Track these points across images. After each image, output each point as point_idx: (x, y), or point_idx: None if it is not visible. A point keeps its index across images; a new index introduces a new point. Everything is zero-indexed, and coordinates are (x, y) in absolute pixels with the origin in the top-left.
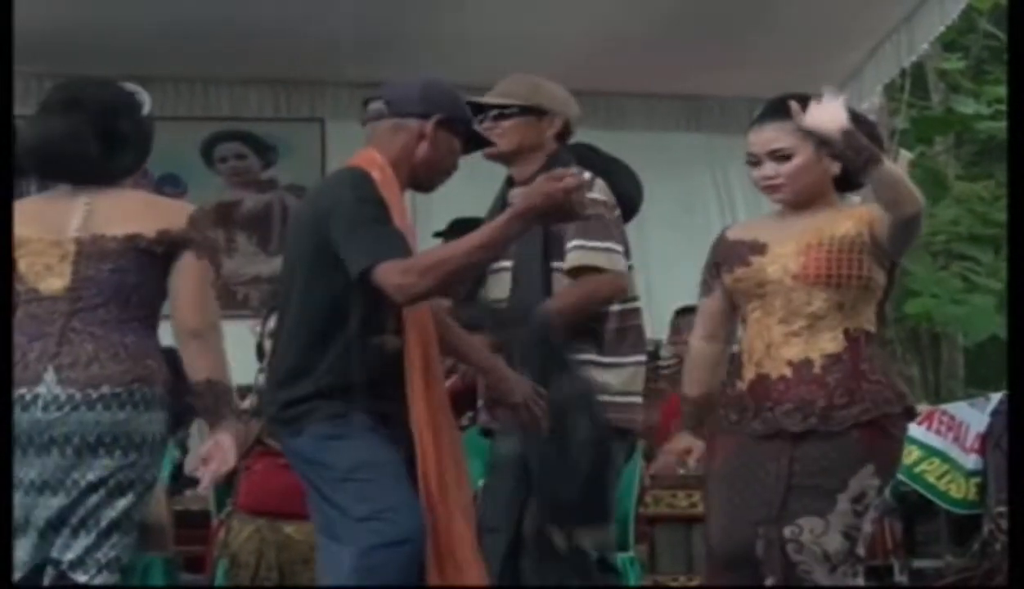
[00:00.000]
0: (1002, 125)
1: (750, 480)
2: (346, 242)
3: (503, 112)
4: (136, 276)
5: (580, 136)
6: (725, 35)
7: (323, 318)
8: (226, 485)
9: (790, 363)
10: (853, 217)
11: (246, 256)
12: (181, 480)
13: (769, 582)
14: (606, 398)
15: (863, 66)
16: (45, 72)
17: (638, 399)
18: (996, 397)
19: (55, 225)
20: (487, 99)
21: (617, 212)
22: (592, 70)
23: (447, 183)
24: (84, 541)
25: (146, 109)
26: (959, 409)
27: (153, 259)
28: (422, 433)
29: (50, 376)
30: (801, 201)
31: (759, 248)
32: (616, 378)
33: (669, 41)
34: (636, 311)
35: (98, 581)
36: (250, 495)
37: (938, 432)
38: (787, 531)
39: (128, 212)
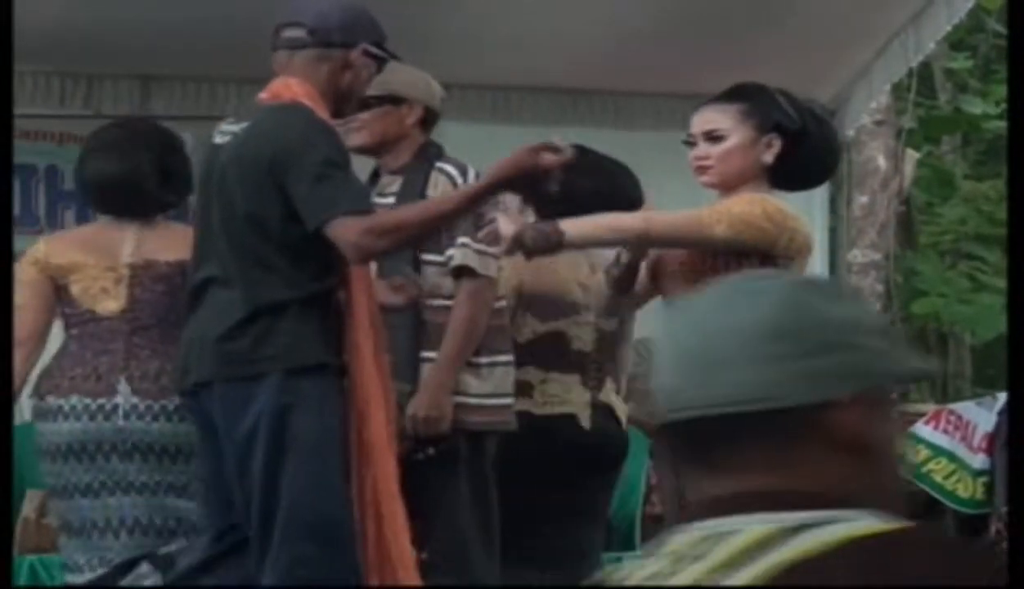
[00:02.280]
0: None
1: (661, 478)
2: (306, 191)
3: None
4: (181, 296)
5: (587, 135)
6: (731, 34)
7: (284, 256)
8: None
9: None
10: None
11: None
12: None
13: None
14: (476, 401)
15: (871, 65)
16: (53, 70)
17: (509, 400)
18: (1003, 396)
19: (108, 252)
20: None
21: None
22: (598, 69)
23: None
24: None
25: (188, 148)
26: (966, 408)
27: None
28: (372, 397)
29: (124, 388)
30: (728, 185)
31: None
32: (484, 380)
33: (675, 40)
34: (500, 311)
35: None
36: None
37: (945, 431)
38: None
39: (174, 240)
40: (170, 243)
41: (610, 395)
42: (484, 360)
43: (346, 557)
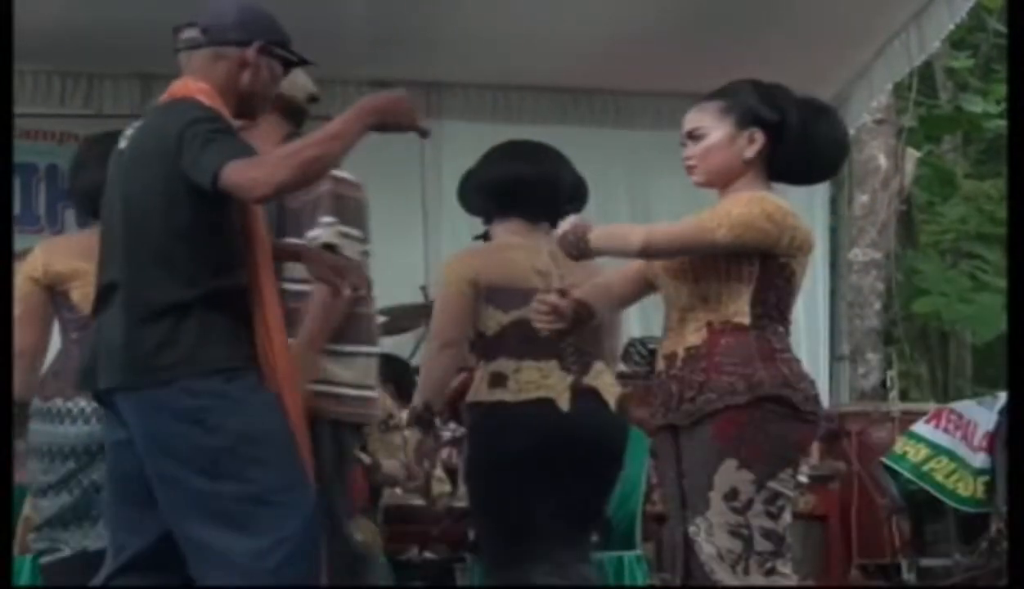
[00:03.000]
0: None
1: (662, 477)
2: (197, 158)
3: None
4: None
5: (587, 135)
6: (732, 33)
7: (185, 253)
8: None
9: (664, 357)
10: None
11: None
12: None
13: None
14: (338, 390)
15: (872, 64)
16: (53, 70)
17: (372, 393)
18: (1004, 395)
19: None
20: None
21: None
22: (598, 69)
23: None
24: None
25: None
26: (967, 407)
27: None
28: (284, 392)
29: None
30: (715, 182)
31: None
32: (347, 369)
33: (675, 40)
34: (366, 300)
35: None
36: None
37: (946, 430)
38: (690, 530)
39: None
40: None
41: (599, 378)
42: (348, 348)
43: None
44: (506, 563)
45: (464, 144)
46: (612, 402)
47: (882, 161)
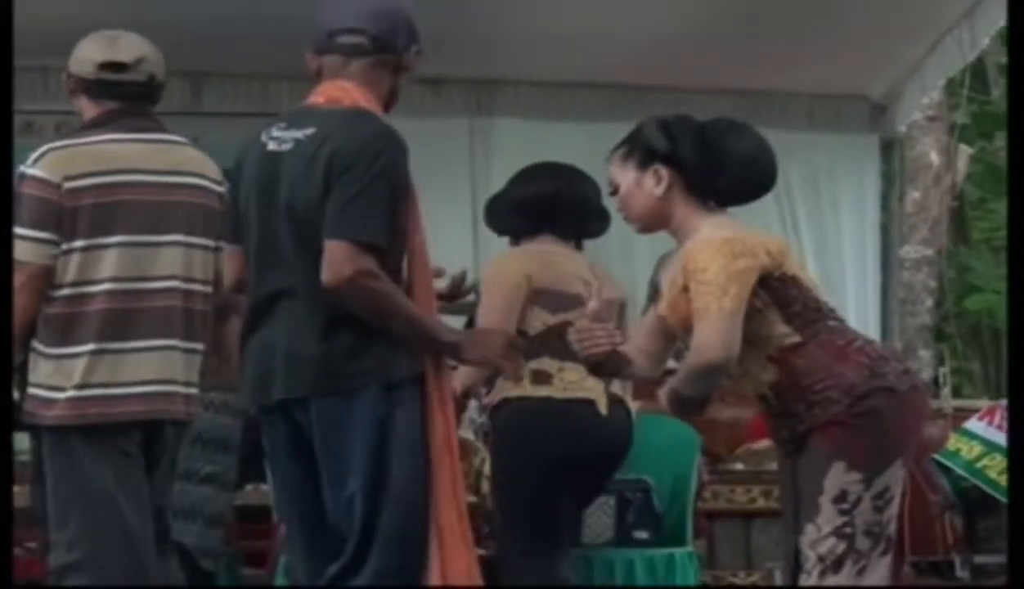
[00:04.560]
0: None
1: (782, 494)
2: (344, 202)
3: None
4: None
5: None
6: (782, 31)
7: None
8: None
9: (759, 398)
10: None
11: None
12: (244, 475)
13: None
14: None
15: (924, 61)
16: None
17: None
18: None
19: None
20: None
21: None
22: (649, 66)
23: None
24: (203, 529)
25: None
26: None
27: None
28: (444, 402)
29: None
30: (650, 225)
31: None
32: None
33: (725, 38)
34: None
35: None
36: None
37: (999, 427)
38: (800, 540)
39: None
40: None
41: (619, 389)
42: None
43: (419, 571)
44: (540, 551)
45: (514, 141)
46: (633, 411)
47: (934, 158)
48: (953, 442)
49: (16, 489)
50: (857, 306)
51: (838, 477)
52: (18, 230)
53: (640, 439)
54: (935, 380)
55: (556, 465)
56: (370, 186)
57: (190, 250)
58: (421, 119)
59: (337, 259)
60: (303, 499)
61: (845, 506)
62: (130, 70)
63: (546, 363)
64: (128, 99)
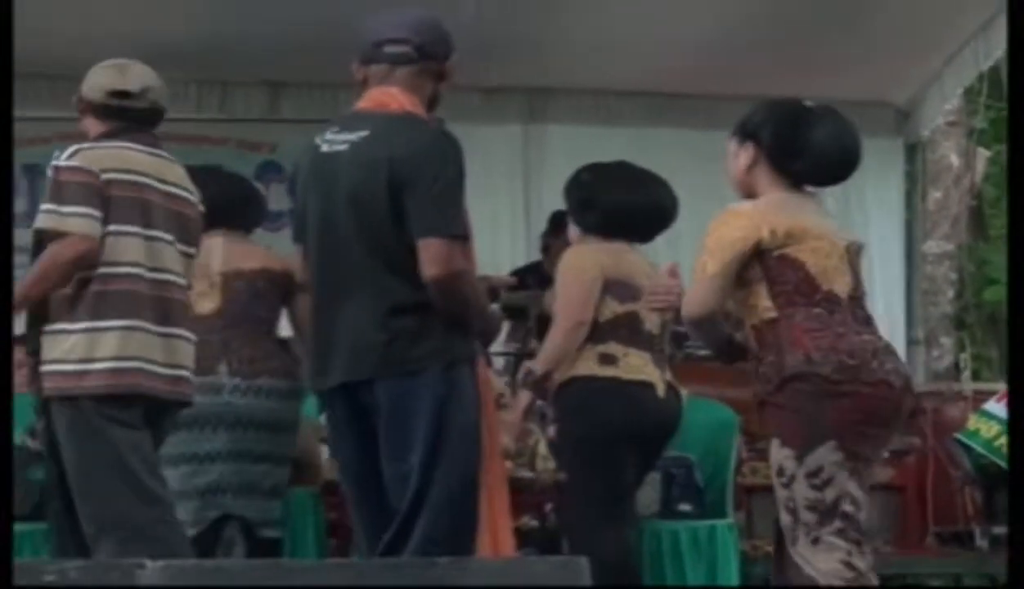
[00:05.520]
0: None
1: None
2: (426, 202)
3: None
4: (266, 297)
5: (679, 136)
6: (815, 41)
7: (407, 257)
8: None
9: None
10: None
11: None
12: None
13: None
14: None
15: (943, 71)
16: (190, 77)
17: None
18: None
19: (203, 263)
20: None
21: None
22: (689, 74)
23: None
24: (263, 502)
25: None
26: None
27: (275, 286)
28: (487, 384)
29: (224, 369)
30: (740, 193)
31: None
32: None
33: (761, 47)
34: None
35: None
36: None
37: None
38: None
39: (252, 252)
40: (250, 254)
41: (674, 378)
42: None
43: (470, 536)
44: (610, 518)
45: (565, 145)
46: (684, 396)
47: (954, 160)
48: (973, 422)
49: None
50: (884, 297)
51: (776, 452)
52: (64, 208)
53: (684, 420)
54: (956, 365)
55: (621, 438)
56: (447, 184)
57: (179, 253)
58: (477, 126)
59: (441, 255)
60: (364, 475)
61: (784, 480)
62: (135, 98)
63: (613, 347)
64: (130, 121)
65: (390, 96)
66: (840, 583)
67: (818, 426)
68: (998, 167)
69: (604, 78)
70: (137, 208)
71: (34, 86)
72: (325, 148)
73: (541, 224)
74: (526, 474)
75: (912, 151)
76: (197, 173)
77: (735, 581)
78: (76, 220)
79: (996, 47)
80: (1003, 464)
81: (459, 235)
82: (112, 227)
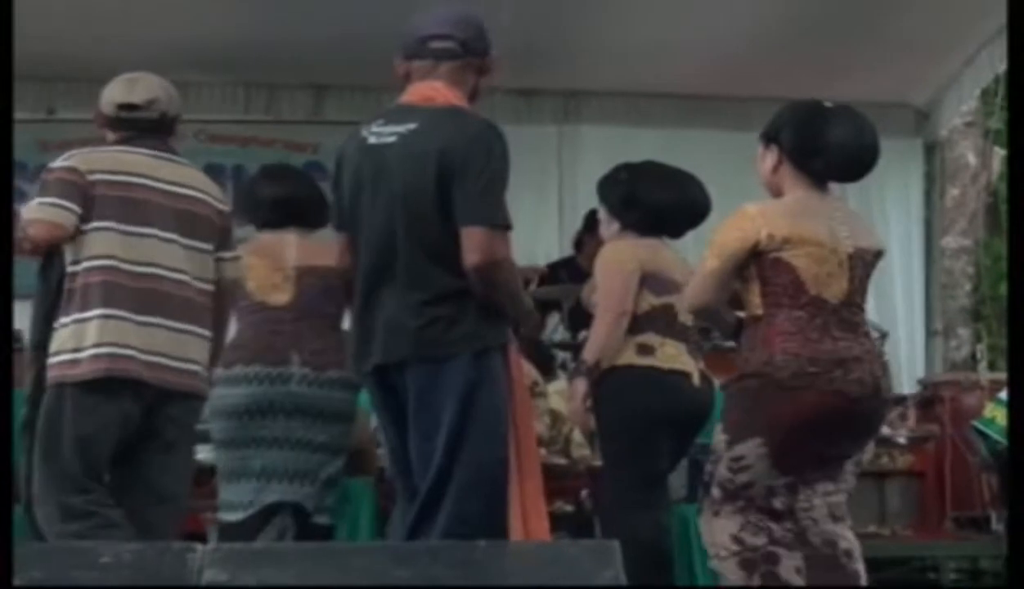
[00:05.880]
0: None
1: None
2: (473, 192)
3: None
4: (335, 293)
5: (711, 137)
6: (838, 45)
7: (448, 246)
8: None
9: None
10: None
11: None
12: None
13: None
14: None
15: (960, 73)
16: (237, 81)
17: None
18: None
19: (277, 257)
20: None
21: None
22: (717, 77)
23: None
24: (318, 491)
25: None
26: None
27: (344, 282)
28: (519, 372)
29: (296, 359)
30: (771, 193)
31: None
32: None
33: (787, 50)
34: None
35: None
36: None
37: None
38: None
39: (324, 249)
40: (322, 251)
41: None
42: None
43: (499, 519)
44: (647, 502)
45: (598, 146)
46: (717, 385)
47: (971, 159)
48: (989, 410)
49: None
50: (904, 291)
51: (716, 434)
52: (44, 200)
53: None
54: (973, 355)
55: (658, 424)
56: (493, 175)
57: (183, 249)
58: (514, 126)
59: (484, 243)
60: (401, 459)
61: (712, 458)
62: (142, 110)
63: (650, 338)
64: (140, 131)
65: (435, 90)
66: (725, 554)
67: (752, 422)
68: None
69: (636, 81)
70: (124, 206)
71: (88, 89)
72: (373, 140)
73: (575, 220)
74: (560, 461)
75: (931, 151)
76: (273, 172)
77: None
78: (49, 209)
79: None
80: None
81: (501, 225)
82: (93, 224)
